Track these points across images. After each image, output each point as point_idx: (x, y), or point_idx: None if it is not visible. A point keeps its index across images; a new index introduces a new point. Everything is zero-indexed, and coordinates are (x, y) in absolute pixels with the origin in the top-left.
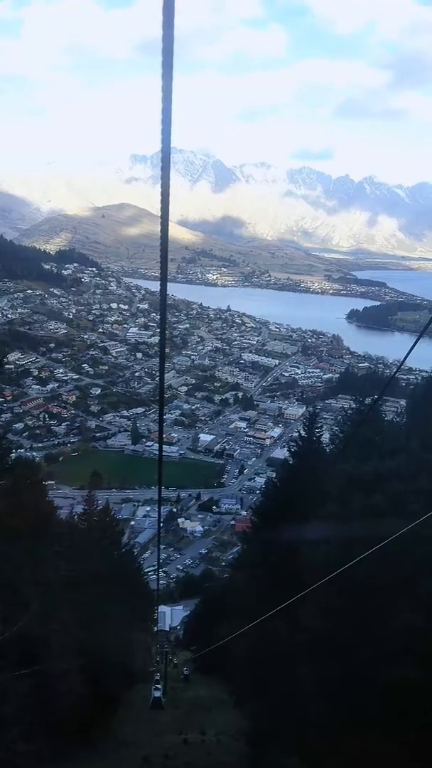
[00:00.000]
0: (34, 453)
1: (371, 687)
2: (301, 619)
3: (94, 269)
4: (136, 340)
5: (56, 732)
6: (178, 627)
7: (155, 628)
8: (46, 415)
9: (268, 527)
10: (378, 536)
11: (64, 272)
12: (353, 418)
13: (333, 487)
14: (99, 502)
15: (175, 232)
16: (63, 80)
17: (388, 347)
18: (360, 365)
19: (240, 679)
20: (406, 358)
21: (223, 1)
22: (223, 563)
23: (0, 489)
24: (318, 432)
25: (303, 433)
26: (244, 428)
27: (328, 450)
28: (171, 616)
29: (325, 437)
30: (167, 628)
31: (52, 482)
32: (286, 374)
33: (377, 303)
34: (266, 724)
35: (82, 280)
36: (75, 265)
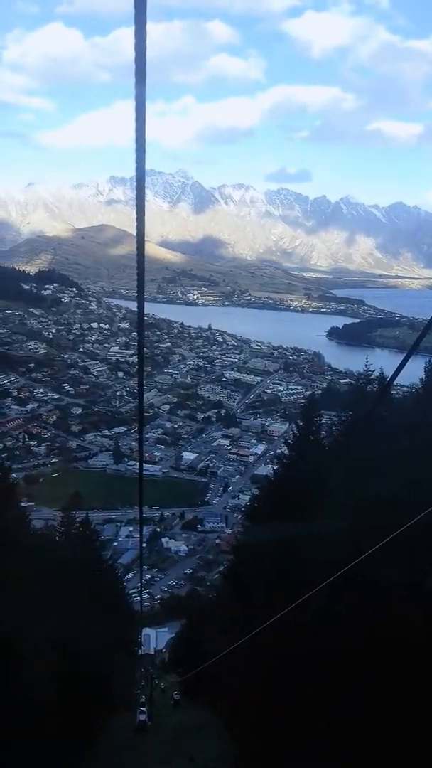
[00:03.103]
0: (13, 474)
1: (375, 705)
2: (297, 631)
3: (74, 289)
4: (117, 359)
5: (28, 763)
6: (164, 650)
7: (139, 651)
8: (26, 436)
9: (262, 529)
10: (390, 527)
11: (44, 292)
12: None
13: (337, 476)
14: (78, 514)
15: (156, 252)
16: (40, 104)
17: (370, 363)
18: (342, 381)
19: (228, 701)
20: (400, 368)
21: (201, 28)
22: (209, 583)
23: None
24: (317, 420)
25: (300, 422)
26: (228, 446)
27: (327, 443)
28: (156, 638)
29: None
30: (152, 651)
31: (32, 503)
32: (269, 391)
33: (357, 320)
34: (256, 746)
35: (62, 300)
36: (55, 285)
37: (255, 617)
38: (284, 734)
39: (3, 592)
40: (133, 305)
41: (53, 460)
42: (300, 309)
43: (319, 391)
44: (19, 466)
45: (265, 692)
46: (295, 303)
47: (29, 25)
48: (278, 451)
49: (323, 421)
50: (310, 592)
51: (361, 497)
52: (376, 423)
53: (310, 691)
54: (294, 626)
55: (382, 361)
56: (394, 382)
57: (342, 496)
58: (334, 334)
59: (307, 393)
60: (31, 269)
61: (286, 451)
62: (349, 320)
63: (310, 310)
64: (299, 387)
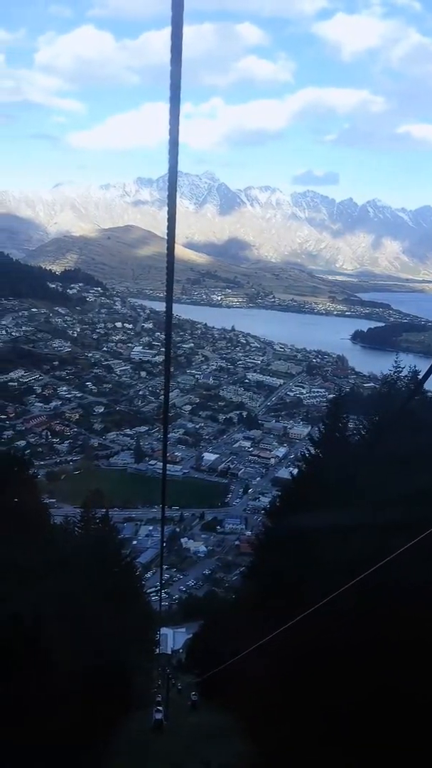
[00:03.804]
0: (36, 471)
1: (403, 714)
2: (320, 634)
3: (99, 289)
4: (140, 358)
5: (41, 760)
6: (181, 650)
7: (157, 651)
8: (49, 433)
9: (284, 529)
10: (420, 525)
11: (69, 291)
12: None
13: (364, 474)
14: (98, 512)
15: (181, 253)
16: (71, 105)
17: (400, 360)
18: (365, 385)
19: (247, 704)
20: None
21: (231, 30)
22: (227, 584)
23: None
24: (343, 419)
25: (326, 420)
26: (249, 447)
27: (353, 441)
28: (173, 638)
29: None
30: (169, 651)
31: (53, 500)
32: (291, 394)
33: (382, 324)
34: (275, 754)
35: (87, 299)
36: (80, 284)
37: (276, 618)
38: (305, 742)
39: (21, 585)
40: (157, 306)
41: (75, 458)
42: (324, 312)
43: (342, 395)
44: (42, 462)
45: (285, 697)
46: (320, 306)
47: (61, 28)
48: (300, 453)
49: (348, 424)
50: (335, 593)
51: (390, 496)
52: (407, 420)
53: (334, 698)
54: (318, 629)
55: (405, 369)
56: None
57: (369, 495)
58: (358, 337)
59: (330, 396)
60: (57, 268)
61: (311, 450)
62: (373, 324)
63: (335, 313)
64: (322, 390)
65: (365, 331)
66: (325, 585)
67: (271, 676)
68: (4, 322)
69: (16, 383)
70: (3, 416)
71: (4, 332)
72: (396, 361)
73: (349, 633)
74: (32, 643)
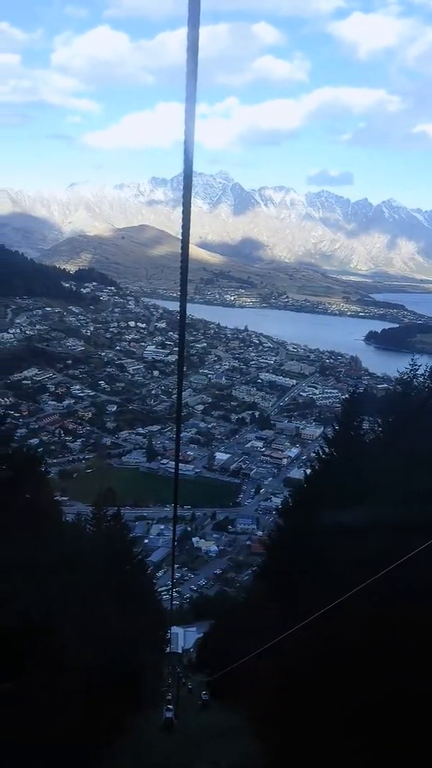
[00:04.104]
0: (49, 469)
1: (422, 716)
2: (334, 634)
3: (112, 288)
4: (153, 358)
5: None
6: (192, 649)
7: (167, 649)
8: (62, 431)
9: (297, 528)
10: None
11: (83, 290)
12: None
13: (379, 472)
14: (110, 510)
15: (194, 253)
16: (87, 106)
17: (417, 357)
18: (378, 386)
19: (259, 705)
20: None
21: (247, 30)
22: (238, 584)
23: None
24: (358, 417)
25: (341, 418)
26: (261, 448)
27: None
28: (184, 637)
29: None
30: (180, 650)
31: (65, 498)
32: (304, 394)
33: (396, 325)
34: (287, 755)
35: (101, 298)
36: (94, 284)
37: (288, 618)
38: (315, 743)
39: (31, 582)
40: (170, 305)
41: (87, 456)
42: (338, 312)
43: (358, 393)
44: (54, 461)
45: (297, 698)
46: (333, 306)
47: (77, 28)
48: (315, 451)
49: (362, 423)
50: (350, 593)
51: (405, 495)
52: (424, 419)
53: (346, 700)
54: (331, 629)
55: (421, 367)
56: None
57: (384, 494)
58: (372, 338)
59: (343, 397)
60: (71, 268)
61: (325, 449)
62: (387, 325)
63: (348, 313)
64: (335, 391)
65: (379, 332)
66: (338, 585)
67: (282, 677)
68: (18, 321)
69: (29, 381)
70: (17, 414)
71: (18, 331)
72: (413, 360)
73: (362, 634)
74: (42, 640)
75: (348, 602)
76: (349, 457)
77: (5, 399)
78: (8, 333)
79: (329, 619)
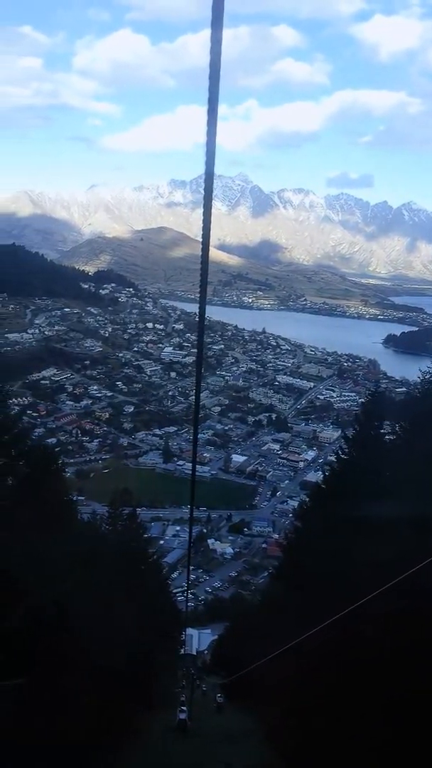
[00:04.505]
0: (66, 468)
1: None
2: (354, 637)
3: (131, 290)
4: (170, 359)
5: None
6: (206, 651)
7: (181, 651)
8: (79, 431)
9: (317, 527)
10: None
11: (102, 292)
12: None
13: (402, 472)
14: (126, 510)
15: (213, 255)
16: (107, 109)
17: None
18: (397, 390)
19: (274, 708)
20: None
21: (268, 32)
22: (254, 587)
23: (16, 473)
24: (379, 416)
25: (361, 417)
26: (278, 450)
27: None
28: (198, 639)
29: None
30: (194, 652)
31: (82, 498)
32: (321, 397)
33: (415, 328)
34: (301, 760)
35: (119, 299)
36: (112, 285)
37: (306, 620)
38: (334, 750)
39: (46, 578)
40: (188, 307)
41: (104, 457)
42: (356, 315)
43: (379, 392)
44: (71, 460)
45: (315, 702)
46: (352, 309)
47: (99, 32)
48: (330, 457)
49: (382, 425)
50: (371, 594)
51: (427, 495)
52: None
53: (365, 705)
54: (351, 631)
55: None
56: None
57: (406, 494)
58: (390, 341)
59: (361, 400)
60: (90, 269)
61: (344, 448)
62: (407, 328)
63: (367, 317)
64: (353, 394)
65: (398, 335)
66: (358, 586)
67: (301, 680)
68: (37, 321)
69: (48, 381)
70: (34, 414)
71: (37, 331)
72: None
73: (385, 636)
74: (55, 637)
75: (370, 604)
76: (369, 456)
77: (23, 398)
78: (27, 333)
79: (350, 621)
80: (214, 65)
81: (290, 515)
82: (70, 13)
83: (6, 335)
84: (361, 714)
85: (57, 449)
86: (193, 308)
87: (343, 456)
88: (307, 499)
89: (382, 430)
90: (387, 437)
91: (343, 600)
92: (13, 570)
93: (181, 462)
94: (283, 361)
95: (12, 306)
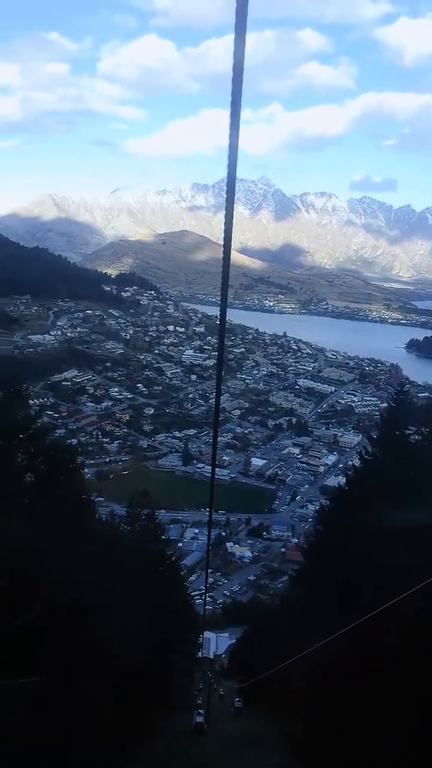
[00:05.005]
0: (86, 468)
1: None
2: (374, 642)
3: (152, 292)
4: (191, 362)
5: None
6: (223, 655)
7: (199, 654)
8: (99, 433)
9: (338, 529)
10: None
11: (124, 294)
12: None
13: (427, 474)
14: (144, 511)
15: (235, 258)
16: (132, 113)
17: None
18: (420, 395)
19: (293, 713)
20: None
21: (292, 36)
22: (272, 591)
23: (35, 471)
24: (404, 417)
25: (386, 417)
26: (298, 454)
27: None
28: (216, 643)
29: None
30: (212, 656)
31: (101, 498)
32: (342, 401)
33: None
34: (318, 765)
35: (141, 302)
36: (134, 288)
37: (326, 624)
38: (354, 756)
39: (62, 576)
40: (209, 310)
41: (124, 458)
42: (379, 319)
43: (404, 391)
44: (91, 461)
45: (335, 708)
46: (374, 313)
47: (125, 37)
48: (350, 462)
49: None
50: (393, 599)
51: None
52: None
53: (387, 711)
54: (373, 636)
55: None
56: None
57: (430, 496)
58: (413, 346)
59: (383, 405)
60: (112, 272)
61: (368, 449)
62: (430, 333)
63: (390, 321)
64: (374, 399)
65: (421, 339)
66: (380, 590)
67: (319, 685)
68: (60, 323)
69: (69, 383)
70: (55, 414)
71: (59, 332)
72: None
73: (406, 641)
74: (72, 636)
75: (393, 608)
76: (393, 457)
77: (45, 399)
78: (50, 335)
79: (372, 626)
80: (238, 69)
81: (310, 520)
82: (96, 19)
83: (29, 336)
84: (382, 720)
85: (77, 450)
86: (214, 311)
87: (367, 457)
88: (329, 502)
89: (408, 430)
90: (412, 437)
91: (365, 604)
92: (30, 567)
93: (200, 465)
94: (304, 365)
95: (35, 308)
